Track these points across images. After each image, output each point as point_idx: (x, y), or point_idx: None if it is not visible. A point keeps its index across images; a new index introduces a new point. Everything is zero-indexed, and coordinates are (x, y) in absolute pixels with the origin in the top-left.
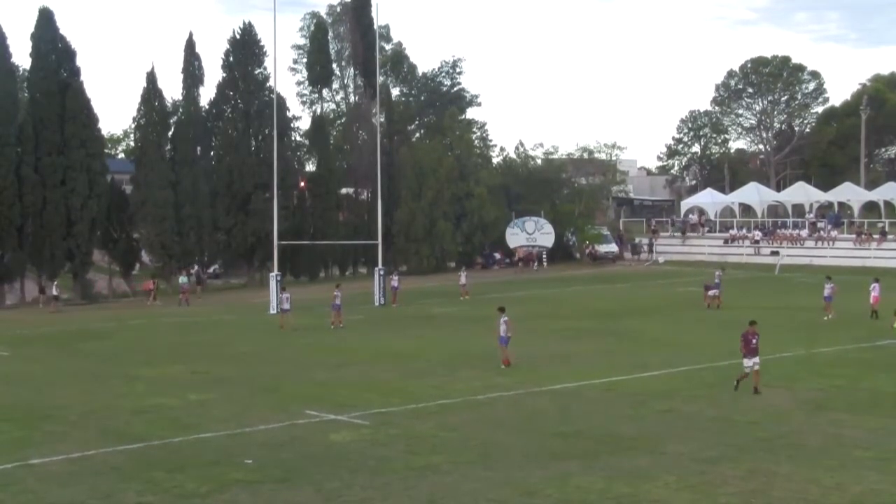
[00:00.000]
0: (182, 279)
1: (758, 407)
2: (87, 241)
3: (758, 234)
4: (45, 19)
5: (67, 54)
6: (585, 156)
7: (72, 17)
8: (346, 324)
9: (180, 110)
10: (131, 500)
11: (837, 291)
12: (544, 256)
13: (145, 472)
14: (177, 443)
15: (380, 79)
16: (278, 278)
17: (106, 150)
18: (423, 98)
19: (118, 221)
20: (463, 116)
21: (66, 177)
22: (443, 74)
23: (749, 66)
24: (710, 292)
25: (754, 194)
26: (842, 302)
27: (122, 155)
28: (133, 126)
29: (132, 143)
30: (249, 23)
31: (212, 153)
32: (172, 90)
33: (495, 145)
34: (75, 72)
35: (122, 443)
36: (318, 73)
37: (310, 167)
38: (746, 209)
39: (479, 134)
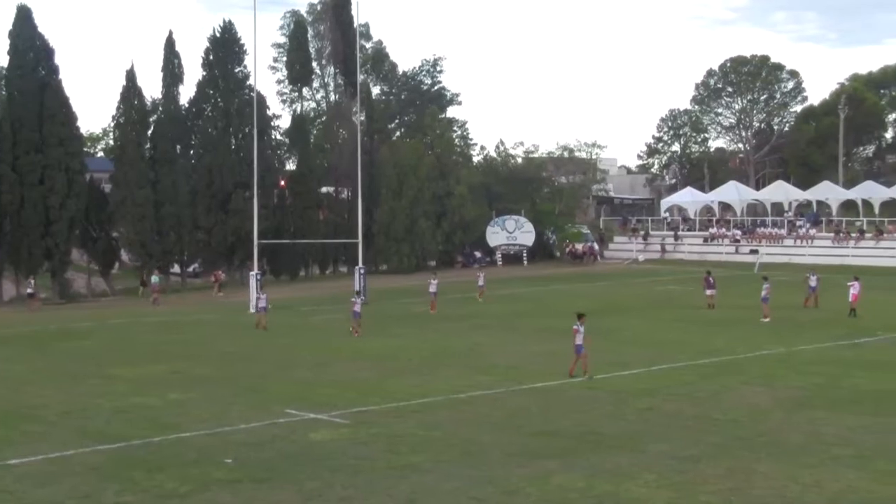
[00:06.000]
0: (154, 278)
1: (738, 405)
2: (65, 240)
3: (737, 233)
4: (23, 17)
5: (46, 52)
6: (566, 154)
7: (50, 14)
8: (327, 322)
9: (160, 109)
10: (110, 500)
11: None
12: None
13: (125, 472)
14: (157, 442)
15: (360, 77)
16: (258, 277)
17: (85, 149)
18: (403, 97)
19: (97, 220)
20: (443, 115)
21: (45, 175)
22: (423, 73)
23: (728, 65)
24: (709, 291)
25: (734, 193)
26: (821, 300)
27: (101, 154)
28: (112, 124)
29: (111, 142)
30: (230, 21)
31: (191, 152)
32: (152, 88)
33: (476, 144)
34: (54, 70)
35: (101, 442)
36: (298, 71)
37: (290, 166)
38: (726, 208)
39: (459, 133)
